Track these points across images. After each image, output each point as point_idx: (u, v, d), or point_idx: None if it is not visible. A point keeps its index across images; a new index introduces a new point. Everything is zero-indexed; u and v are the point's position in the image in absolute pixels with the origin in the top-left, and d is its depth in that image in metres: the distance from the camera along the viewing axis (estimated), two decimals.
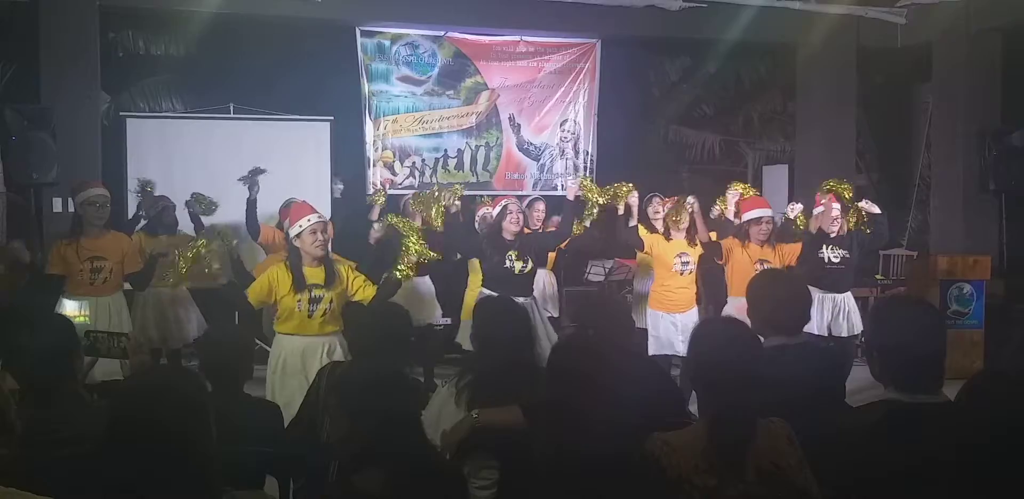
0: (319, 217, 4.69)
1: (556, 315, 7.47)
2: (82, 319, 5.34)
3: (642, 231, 6.38)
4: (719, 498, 2.24)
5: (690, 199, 6.19)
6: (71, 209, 6.28)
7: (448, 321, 7.30)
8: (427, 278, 7.04)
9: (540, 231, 7.06)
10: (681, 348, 5.98)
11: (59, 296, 5.58)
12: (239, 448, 2.32)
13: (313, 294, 4.52)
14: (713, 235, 6.21)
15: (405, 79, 9.57)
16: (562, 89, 10.02)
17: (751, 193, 6.33)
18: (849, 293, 6.56)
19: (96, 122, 8.08)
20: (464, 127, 9.83)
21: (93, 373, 3.11)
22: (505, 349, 3.21)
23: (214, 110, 9.04)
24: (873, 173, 11.21)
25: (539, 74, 9.92)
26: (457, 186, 6.53)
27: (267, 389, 4.47)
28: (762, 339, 2.73)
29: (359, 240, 7.08)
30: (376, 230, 6.66)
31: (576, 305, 7.65)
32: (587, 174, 9.65)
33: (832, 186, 6.46)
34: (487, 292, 5.91)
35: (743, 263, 5.99)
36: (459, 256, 6.84)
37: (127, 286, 6.00)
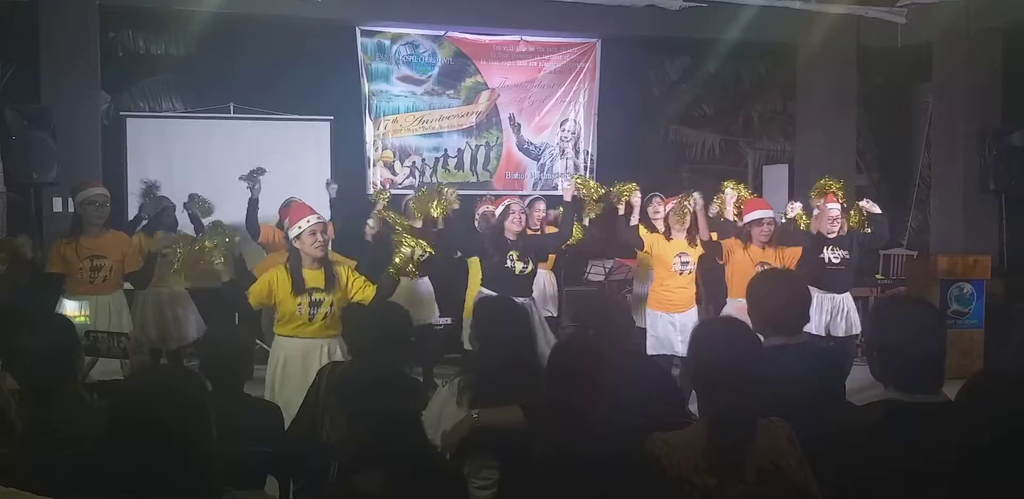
0: (318, 218, 4.68)
1: (556, 315, 7.47)
2: (82, 319, 5.34)
3: (642, 230, 6.38)
4: (719, 498, 2.24)
5: (695, 195, 6.18)
6: (71, 209, 6.28)
7: (448, 321, 7.30)
8: (426, 279, 7.04)
9: (541, 232, 7.05)
10: (680, 348, 5.98)
11: (59, 296, 5.59)
12: (240, 448, 2.32)
13: (313, 297, 4.52)
14: (713, 235, 6.21)
15: (405, 79, 9.57)
16: (562, 89, 10.02)
17: (743, 191, 6.30)
18: (848, 293, 6.56)
19: (96, 122, 8.08)
20: (464, 127, 9.83)
21: (91, 373, 3.11)
22: (506, 349, 3.22)
23: (214, 110, 9.04)
24: (873, 173, 11.21)
25: (539, 74, 9.92)
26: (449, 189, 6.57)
27: (266, 391, 4.46)
28: (762, 339, 2.73)
29: (359, 240, 7.08)
30: (371, 227, 6.67)
31: (576, 305, 7.65)
32: (587, 174, 9.67)
33: (822, 187, 6.46)
34: (487, 292, 5.91)
35: (744, 264, 5.98)
36: (459, 254, 6.84)
37: (127, 286, 6.01)
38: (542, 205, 7.57)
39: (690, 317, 6.20)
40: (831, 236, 6.42)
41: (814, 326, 6.15)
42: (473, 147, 9.88)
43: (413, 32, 9.52)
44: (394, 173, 9.59)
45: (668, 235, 6.32)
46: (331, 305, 4.54)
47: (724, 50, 10.02)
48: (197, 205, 6.90)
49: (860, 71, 9.93)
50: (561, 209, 6.84)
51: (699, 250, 6.20)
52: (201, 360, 3.42)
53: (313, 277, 4.57)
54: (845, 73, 9.82)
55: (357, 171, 9.40)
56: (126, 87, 9.55)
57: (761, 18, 9.10)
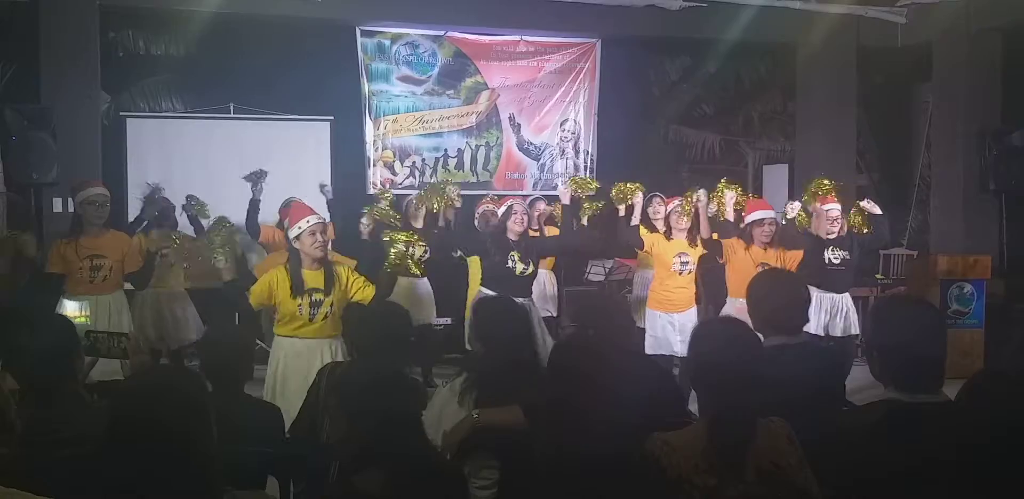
0: (318, 218, 4.68)
1: (555, 315, 7.48)
2: (82, 319, 5.34)
3: (642, 230, 6.38)
4: (719, 498, 2.24)
5: (700, 192, 6.17)
6: (71, 209, 6.28)
7: (448, 321, 7.31)
8: (425, 279, 7.04)
9: (540, 232, 7.06)
10: (679, 348, 5.98)
11: (59, 296, 5.58)
12: (240, 448, 2.32)
13: (313, 298, 4.52)
14: (714, 236, 6.21)
15: (405, 79, 9.57)
16: (562, 89, 10.02)
17: (734, 190, 6.29)
18: (847, 293, 6.56)
19: (96, 122, 8.08)
20: (464, 127, 9.83)
21: (91, 373, 3.11)
22: (507, 349, 3.22)
23: (214, 110, 9.04)
24: (873, 173, 11.21)
25: (539, 74, 9.92)
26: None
27: (266, 391, 4.46)
28: (762, 339, 2.73)
29: (359, 240, 7.09)
30: (365, 224, 6.67)
31: (576, 305, 7.65)
32: (587, 174, 9.69)
33: (815, 189, 6.46)
34: (486, 291, 5.91)
35: (745, 264, 5.97)
36: (459, 253, 6.85)
37: (128, 286, 6.01)
38: (542, 205, 7.58)
39: (689, 317, 6.20)
40: (831, 237, 6.42)
41: (813, 326, 6.15)
42: (473, 147, 9.88)
43: (413, 32, 9.52)
44: (394, 173, 9.59)
45: (668, 235, 6.32)
46: (331, 305, 4.53)
47: (724, 50, 10.02)
48: (195, 207, 6.90)
49: (860, 71, 9.93)
50: (558, 206, 6.91)
51: (699, 250, 6.20)
52: (201, 360, 3.42)
53: (313, 277, 4.57)
54: (845, 73, 9.82)
55: (357, 171, 9.41)
56: (126, 87, 9.55)
57: (761, 18, 9.09)
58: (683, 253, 6.21)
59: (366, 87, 9.44)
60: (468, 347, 3.75)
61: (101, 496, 1.91)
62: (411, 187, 9.19)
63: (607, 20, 9.20)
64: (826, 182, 6.48)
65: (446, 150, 9.80)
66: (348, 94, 9.34)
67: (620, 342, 3.41)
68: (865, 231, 6.61)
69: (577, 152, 10.18)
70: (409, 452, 2.28)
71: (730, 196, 6.22)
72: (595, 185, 6.55)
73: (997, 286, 8.21)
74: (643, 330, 6.26)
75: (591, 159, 10.18)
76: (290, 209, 5.28)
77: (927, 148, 10.18)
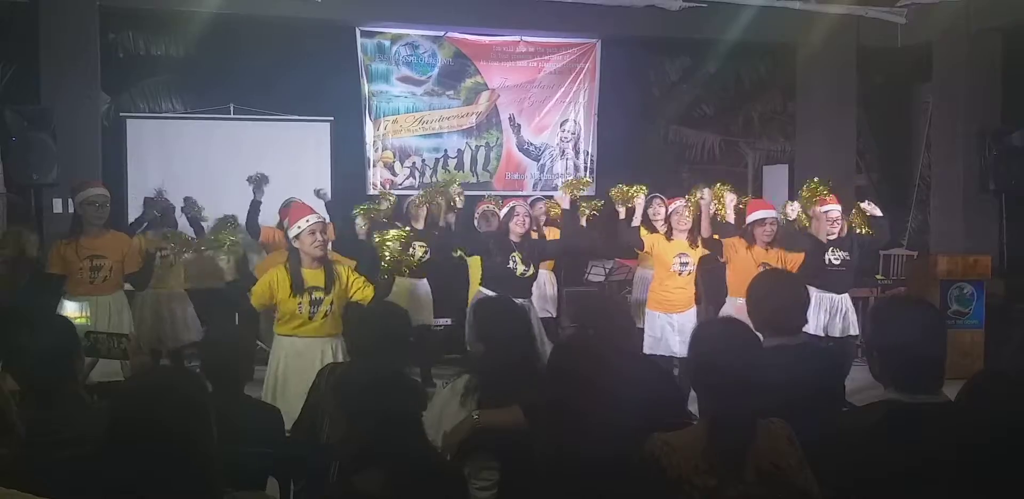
0: (318, 217, 4.69)
1: (555, 316, 7.47)
2: (82, 320, 5.33)
3: (642, 231, 6.39)
4: (719, 498, 2.24)
5: (705, 191, 6.17)
6: (71, 210, 6.28)
7: (448, 321, 7.31)
8: (424, 281, 7.04)
9: (539, 232, 7.06)
10: (678, 349, 5.99)
11: (59, 296, 5.58)
12: (240, 449, 2.32)
13: (313, 296, 4.52)
14: (715, 236, 6.21)
15: (405, 79, 9.57)
16: (562, 89, 10.02)
17: (725, 190, 6.29)
18: (847, 294, 6.57)
19: (96, 123, 8.08)
20: (464, 127, 9.83)
21: (92, 374, 3.11)
22: (509, 349, 3.21)
23: (214, 110, 9.05)
24: (873, 173, 11.21)
25: (539, 74, 9.92)
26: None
27: (265, 390, 4.46)
28: (761, 339, 2.73)
29: (358, 241, 7.08)
30: (361, 225, 6.68)
31: (576, 305, 7.65)
32: (587, 175, 9.71)
33: (811, 193, 6.45)
34: (486, 292, 5.91)
35: (746, 263, 5.98)
36: (458, 254, 6.85)
37: (128, 286, 6.00)
38: (543, 206, 7.58)
39: (688, 318, 6.20)
40: (831, 238, 6.43)
41: (812, 326, 6.16)
42: (473, 148, 9.88)
43: (413, 33, 9.53)
44: (394, 174, 9.59)
45: (669, 236, 6.32)
46: (331, 304, 4.54)
47: (724, 50, 10.02)
48: (193, 209, 6.89)
49: (860, 71, 9.94)
50: (554, 206, 6.97)
51: (700, 251, 6.20)
52: (202, 361, 3.42)
53: (313, 276, 4.57)
54: (845, 73, 9.82)
55: (357, 172, 9.41)
56: (126, 88, 9.56)
57: (761, 18, 9.10)
58: (683, 254, 6.21)
59: (366, 88, 9.44)
60: (468, 348, 3.75)
61: (101, 497, 1.91)
62: (411, 188, 9.19)
63: (607, 20, 9.21)
64: (819, 186, 6.47)
65: (446, 151, 9.80)
66: (348, 95, 9.35)
67: (620, 343, 3.41)
68: (866, 231, 6.61)
69: (577, 153, 10.18)
70: (409, 453, 2.28)
71: (730, 198, 6.23)
72: (587, 180, 6.59)
73: (997, 286, 8.21)
74: (643, 330, 6.27)
75: (591, 159, 10.18)
76: (290, 208, 5.29)
77: (927, 148, 10.19)
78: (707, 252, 6.21)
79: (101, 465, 1.93)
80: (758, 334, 2.72)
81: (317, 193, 7.39)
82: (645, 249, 6.41)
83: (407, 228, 6.12)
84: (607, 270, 8.28)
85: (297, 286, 4.51)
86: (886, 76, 10.74)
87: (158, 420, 1.90)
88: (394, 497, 2.19)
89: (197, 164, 8.64)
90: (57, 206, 7.53)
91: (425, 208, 7.02)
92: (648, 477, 2.28)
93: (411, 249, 6.77)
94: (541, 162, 10.11)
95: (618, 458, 2.34)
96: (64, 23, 7.71)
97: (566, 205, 6.34)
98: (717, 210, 6.32)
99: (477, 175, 9.88)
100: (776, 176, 10.72)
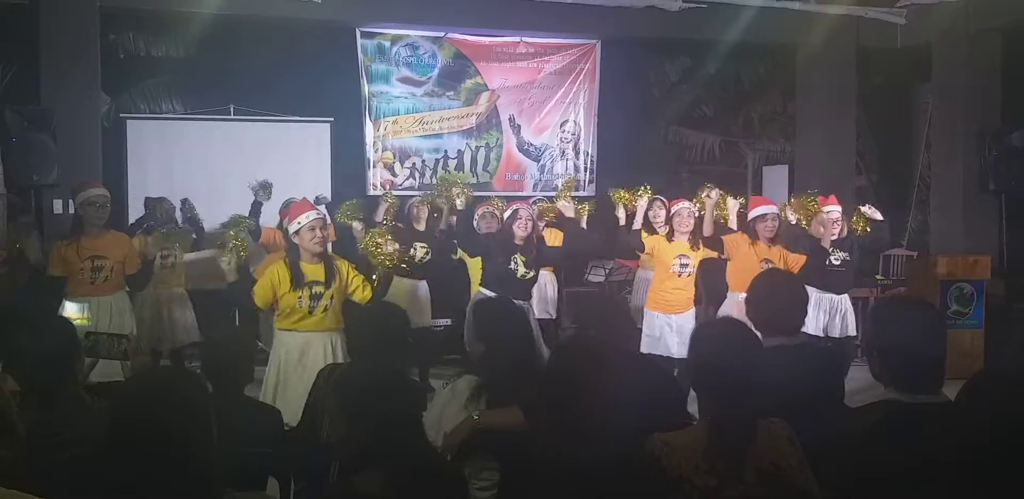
0: (318, 214, 4.70)
1: (555, 317, 7.47)
2: (82, 321, 5.32)
3: (643, 233, 6.40)
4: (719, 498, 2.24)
5: (714, 192, 6.18)
6: (72, 211, 6.28)
7: (448, 322, 7.31)
8: (424, 282, 7.04)
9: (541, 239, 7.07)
10: (675, 350, 6.00)
11: (59, 297, 5.58)
12: (240, 450, 2.32)
13: (313, 290, 4.54)
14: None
15: (405, 80, 9.58)
16: (562, 90, 10.03)
17: (712, 192, 6.30)
18: (846, 295, 6.58)
19: (96, 124, 8.08)
20: (464, 128, 9.83)
21: (91, 374, 3.11)
22: (510, 349, 3.21)
23: (214, 111, 9.05)
24: (873, 173, 11.21)
25: (539, 75, 9.93)
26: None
27: (265, 385, 4.47)
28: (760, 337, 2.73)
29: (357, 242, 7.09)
30: (357, 230, 6.68)
31: (577, 306, 7.65)
32: (587, 175, 9.74)
33: (804, 207, 6.48)
34: (485, 292, 5.91)
35: (748, 259, 6.02)
36: (458, 256, 6.85)
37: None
38: (543, 206, 7.56)
39: (687, 319, 6.21)
40: (832, 238, 6.45)
41: (812, 327, 6.18)
42: (473, 148, 9.88)
43: (413, 33, 9.53)
44: (394, 174, 9.59)
45: (670, 237, 6.33)
46: (331, 298, 4.55)
47: (724, 51, 10.03)
48: (191, 211, 6.89)
49: (860, 72, 9.94)
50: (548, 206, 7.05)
51: (700, 254, 6.21)
52: (202, 362, 3.42)
53: (313, 271, 4.59)
54: (845, 74, 9.82)
55: (357, 172, 9.41)
56: (126, 89, 9.56)
57: (761, 19, 9.10)
58: (683, 255, 6.21)
59: (366, 88, 9.45)
60: (468, 348, 3.74)
61: (101, 497, 1.91)
62: (411, 188, 9.20)
63: (607, 21, 9.21)
64: (811, 200, 6.49)
65: (446, 151, 9.81)
66: (348, 95, 9.35)
67: (621, 343, 3.41)
68: (868, 230, 6.63)
69: (577, 153, 10.18)
70: (409, 453, 2.28)
71: (733, 204, 6.27)
72: (573, 178, 6.61)
73: (997, 286, 8.21)
74: (641, 330, 6.27)
75: (591, 160, 10.18)
76: (290, 207, 5.30)
77: (927, 149, 10.19)
78: (708, 255, 6.22)
79: (101, 466, 1.93)
80: (758, 334, 2.72)
81: (317, 199, 7.40)
82: (646, 251, 6.42)
83: (383, 227, 6.12)
84: (607, 270, 8.28)
85: (297, 280, 4.52)
86: (886, 77, 10.75)
87: (158, 421, 1.90)
88: (394, 497, 2.19)
89: (197, 165, 8.64)
90: (57, 207, 7.53)
91: (427, 209, 7.02)
92: (648, 477, 2.28)
93: (412, 249, 6.78)
94: (541, 163, 10.12)
95: (618, 458, 2.34)
96: (64, 24, 7.71)
97: (570, 214, 6.36)
98: (721, 215, 6.36)
99: (477, 176, 9.88)
100: (776, 177, 10.72)
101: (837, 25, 9.54)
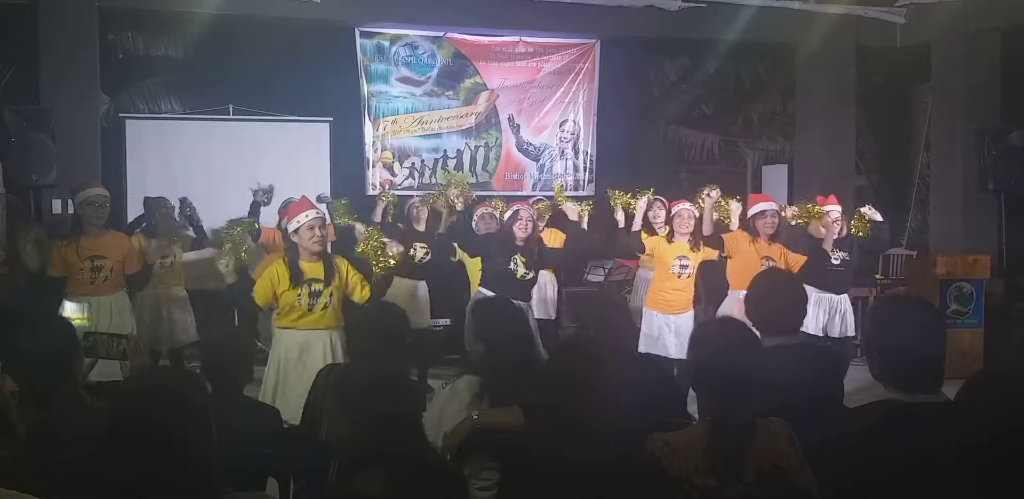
0: (317, 213, 4.70)
1: (555, 318, 7.46)
2: (82, 321, 5.32)
3: (643, 234, 6.40)
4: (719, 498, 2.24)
5: (715, 191, 6.19)
6: (71, 211, 6.27)
7: (448, 321, 7.30)
8: (423, 283, 7.04)
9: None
10: (673, 350, 6.00)
11: (58, 297, 5.57)
12: (240, 450, 2.32)
13: (312, 288, 4.55)
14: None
15: (404, 80, 9.57)
16: (561, 89, 10.02)
17: (713, 191, 6.31)
18: (846, 294, 6.58)
19: (95, 123, 8.08)
20: (463, 128, 9.83)
21: (91, 374, 3.10)
22: (509, 349, 3.21)
23: (213, 111, 9.05)
24: (872, 173, 11.21)
25: (538, 74, 9.92)
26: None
27: (265, 384, 4.47)
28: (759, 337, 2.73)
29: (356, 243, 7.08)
30: (360, 232, 6.68)
31: (576, 306, 7.65)
32: (586, 175, 9.77)
33: (809, 213, 6.48)
34: (485, 292, 5.91)
35: (749, 256, 6.04)
36: (457, 259, 6.85)
37: None
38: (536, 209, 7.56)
39: (686, 320, 6.20)
40: (833, 238, 6.46)
41: (812, 327, 6.19)
42: (472, 148, 9.88)
43: (412, 33, 9.53)
44: (393, 174, 9.59)
45: (671, 238, 6.32)
46: (330, 296, 4.55)
47: (723, 50, 10.02)
48: (189, 209, 6.89)
49: (859, 71, 9.94)
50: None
51: (701, 255, 6.20)
52: (201, 362, 3.42)
53: (312, 269, 4.59)
54: (844, 73, 9.82)
55: (356, 172, 9.41)
56: (125, 89, 9.56)
57: (760, 18, 9.10)
58: (683, 257, 6.21)
59: (365, 88, 9.44)
60: (467, 348, 3.74)
61: (101, 497, 1.91)
62: (410, 188, 9.20)
63: (606, 21, 9.21)
64: (811, 208, 6.50)
65: (445, 151, 9.80)
66: (347, 95, 9.35)
67: (620, 343, 3.41)
68: (869, 231, 6.63)
69: (576, 153, 10.18)
70: (409, 453, 2.28)
71: (736, 207, 6.28)
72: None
73: (996, 286, 8.22)
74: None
75: (590, 160, 10.18)
76: (289, 207, 5.29)
77: (926, 148, 10.19)
78: (708, 256, 6.22)
79: (101, 466, 1.92)
80: (757, 333, 2.72)
81: (319, 198, 7.40)
82: (647, 252, 6.43)
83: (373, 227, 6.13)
84: (606, 270, 8.28)
85: (296, 277, 4.53)
86: (885, 76, 10.74)
87: (157, 421, 1.90)
88: (394, 497, 2.19)
89: (196, 165, 8.64)
90: (56, 207, 7.53)
91: (427, 210, 7.01)
92: (648, 477, 2.28)
93: (411, 250, 6.78)
94: (540, 162, 10.11)
95: (618, 458, 2.34)
96: (63, 24, 7.70)
97: (574, 217, 6.37)
98: (722, 217, 6.37)
99: (476, 175, 9.88)
100: (775, 176, 10.72)
101: (837, 24, 9.54)
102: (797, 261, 6.18)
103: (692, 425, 2.47)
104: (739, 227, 6.32)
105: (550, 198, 7.47)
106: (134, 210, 7.73)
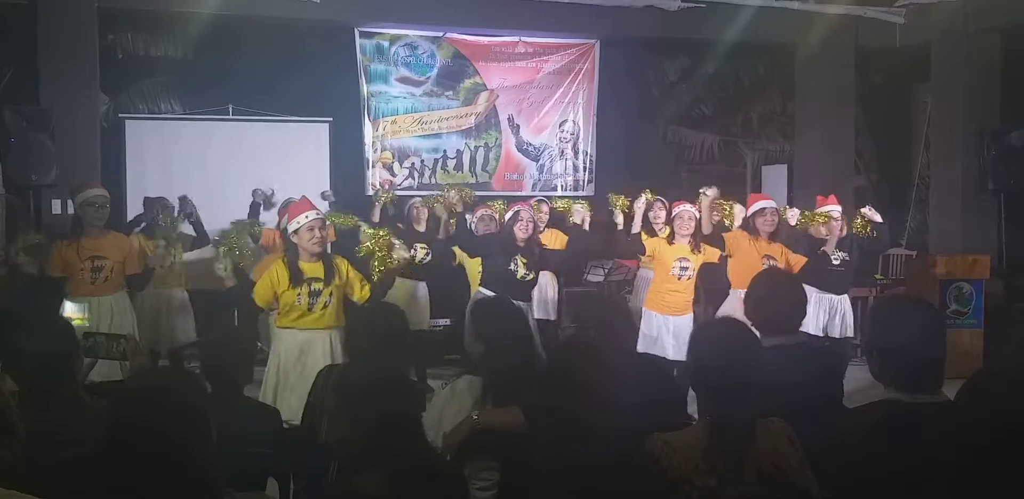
0: (317, 214, 4.70)
1: (555, 318, 7.46)
2: (82, 321, 5.32)
3: (643, 235, 6.40)
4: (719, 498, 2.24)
5: (714, 190, 6.21)
6: (70, 211, 6.27)
7: (448, 321, 7.30)
8: (423, 284, 7.04)
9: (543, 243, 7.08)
10: (671, 351, 6.00)
11: (58, 297, 5.57)
12: (240, 450, 2.32)
13: (312, 287, 4.55)
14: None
15: (404, 80, 9.57)
16: (561, 90, 10.02)
17: (710, 190, 6.32)
18: (846, 295, 6.58)
19: (95, 124, 8.08)
20: (463, 128, 9.83)
21: (91, 374, 3.10)
22: (509, 349, 3.21)
23: (213, 111, 9.05)
24: (872, 173, 11.22)
25: (538, 75, 9.92)
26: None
27: (265, 384, 4.47)
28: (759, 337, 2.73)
29: (358, 242, 7.08)
30: (366, 233, 6.68)
31: (576, 305, 7.65)
32: (585, 175, 9.78)
33: (809, 222, 6.49)
34: (485, 292, 5.90)
35: (750, 255, 6.04)
36: (457, 262, 6.85)
37: None
38: (545, 207, 7.56)
39: (685, 321, 6.20)
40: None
41: (812, 327, 6.18)
42: (472, 148, 9.88)
43: (412, 33, 9.53)
44: (393, 174, 9.59)
45: (671, 240, 6.32)
46: (330, 295, 4.55)
47: (723, 51, 10.03)
48: (188, 207, 6.88)
49: (859, 71, 9.94)
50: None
51: (701, 257, 6.20)
52: (201, 362, 3.42)
53: (311, 268, 4.60)
54: (844, 73, 9.82)
55: (356, 172, 9.41)
56: (125, 89, 9.56)
57: (760, 18, 9.10)
58: (684, 258, 6.19)
59: (365, 88, 9.44)
60: (467, 349, 3.74)
61: (101, 498, 1.91)
62: (410, 188, 9.19)
63: (606, 21, 9.21)
64: (813, 216, 6.51)
65: (445, 151, 9.80)
66: (347, 95, 9.35)
67: (620, 343, 3.41)
68: (868, 229, 6.64)
69: (576, 153, 10.18)
70: (409, 453, 2.28)
71: (739, 209, 6.28)
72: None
73: (996, 286, 8.22)
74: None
75: (590, 160, 10.18)
76: (289, 207, 5.29)
77: (926, 148, 10.19)
78: (709, 258, 6.21)
79: (101, 466, 1.93)
80: (757, 333, 2.72)
81: (323, 195, 7.40)
82: (647, 253, 6.43)
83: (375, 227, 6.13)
84: (606, 270, 8.28)
85: (295, 277, 4.53)
86: (885, 76, 10.75)
87: (157, 421, 1.91)
88: (394, 497, 2.19)
89: (196, 165, 8.64)
90: (56, 207, 7.53)
91: (427, 211, 7.01)
92: (648, 477, 2.28)
93: (412, 250, 6.77)
94: (540, 162, 10.11)
95: (618, 458, 2.34)
96: (63, 24, 7.70)
97: (577, 220, 6.38)
98: (723, 219, 6.37)
99: (476, 176, 9.88)
100: (775, 176, 10.73)
101: (836, 25, 9.54)
102: (798, 261, 6.19)
103: (692, 425, 2.47)
104: (739, 226, 6.32)
105: (551, 199, 7.49)
106: (134, 210, 7.73)
